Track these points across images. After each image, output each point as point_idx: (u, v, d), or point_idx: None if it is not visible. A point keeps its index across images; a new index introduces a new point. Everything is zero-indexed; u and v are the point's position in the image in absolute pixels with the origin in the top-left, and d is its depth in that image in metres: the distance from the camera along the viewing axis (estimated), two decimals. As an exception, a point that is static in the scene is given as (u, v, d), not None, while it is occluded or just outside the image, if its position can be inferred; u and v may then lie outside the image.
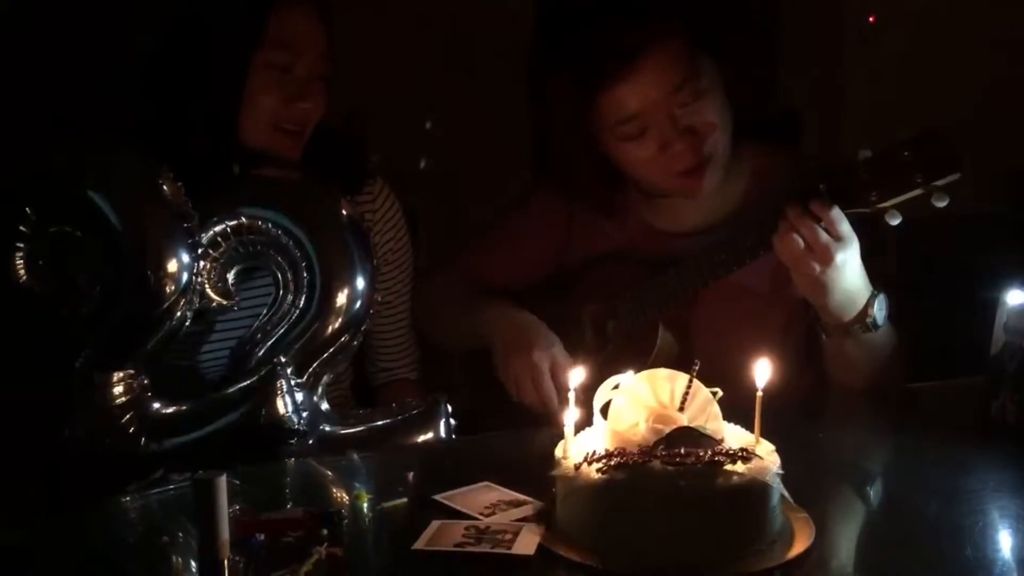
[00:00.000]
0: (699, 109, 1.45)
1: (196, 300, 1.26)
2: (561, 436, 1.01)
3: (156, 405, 1.25)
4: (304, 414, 1.26)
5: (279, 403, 1.25)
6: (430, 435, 1.31)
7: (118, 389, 1.23)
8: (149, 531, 1.09)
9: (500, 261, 1.69)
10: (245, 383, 1.26)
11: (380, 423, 1.32)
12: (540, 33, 1.56)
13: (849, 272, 1.34)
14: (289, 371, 1.26)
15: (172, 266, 1.20)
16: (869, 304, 1.38)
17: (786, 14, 2.97)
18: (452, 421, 1.33)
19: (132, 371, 1.24)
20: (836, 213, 1.31)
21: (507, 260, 1.69)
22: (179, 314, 1.23)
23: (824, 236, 1.31)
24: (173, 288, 1.21)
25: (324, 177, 1.47)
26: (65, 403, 1.23)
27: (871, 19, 3.04)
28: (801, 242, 1.32)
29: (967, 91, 2.62)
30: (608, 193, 1.58)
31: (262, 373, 1.26)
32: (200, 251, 1.25)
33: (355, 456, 1.25)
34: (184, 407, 1.27)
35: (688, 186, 1.49)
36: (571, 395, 1.03)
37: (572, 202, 1.62)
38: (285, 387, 1.25)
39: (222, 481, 0.89)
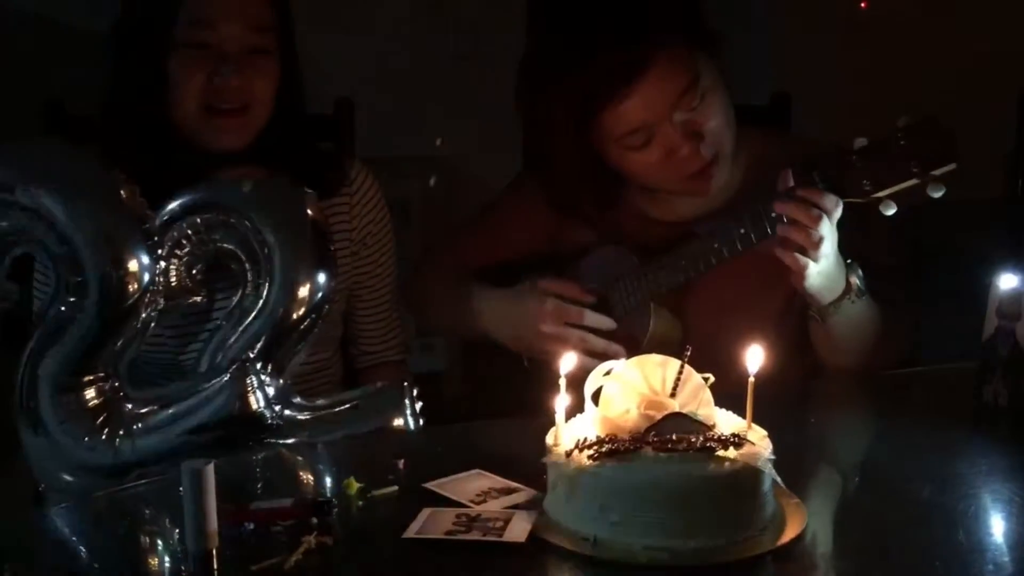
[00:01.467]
0: (704, 110, 1.44)
1: (160, 300, 1.25)
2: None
3: (128, 405, 1.24)
4: (277, 408, 1.25)
5: (251, 399, 1.24)
6: (399, 421, 1.29)
7: (90, 392, 1.22)
8: (137, 523, 1.08)
9: (490, 251, 1.68)
10: (215, 381, 1.26)
11: (340, 408, 1.31)
12: (532, 51, 1.52)
13: (833, 253, 1.34)
14: (259, 366, 1.26)
15: (132, 265, 1.20)
16: (849, 275, 1.38)
17: (779, -1, 2.97)
18: (417, 407, 1.31)
19: (103, 374, 1.23)
20: (829, 200, 1.30)
21: (497, 250, 1.68)
22: (144, 315, 1.23)
23: (816, 233, 1.30)
24: (136, 287, 1.20)
25: (294, 176, 1.42)
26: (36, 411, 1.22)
27: (863, 5, 3.03)
28: (802, 237, 1.31)
29: (960, 76, 2.62)
30: (604, 210, 1.57)
31: (232, 370, 1.25)
32: (161, 252, 1.25)
33: (319, 447, 1.25)
34: (156, 407, 1.26)
35: (697, 187, 1.49)
36: (562, 382, 1.02)
37: (567, 193, 1.60)
38: (256, 383, 1.25)
39: (210, 470, 0.88)
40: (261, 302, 1.27)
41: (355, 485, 1.07)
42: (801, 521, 0.97)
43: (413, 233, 1.76)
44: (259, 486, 1.12)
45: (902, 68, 2.78)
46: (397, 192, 1.74)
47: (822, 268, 1.33)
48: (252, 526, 0.97)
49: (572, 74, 1.42)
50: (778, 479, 0.96)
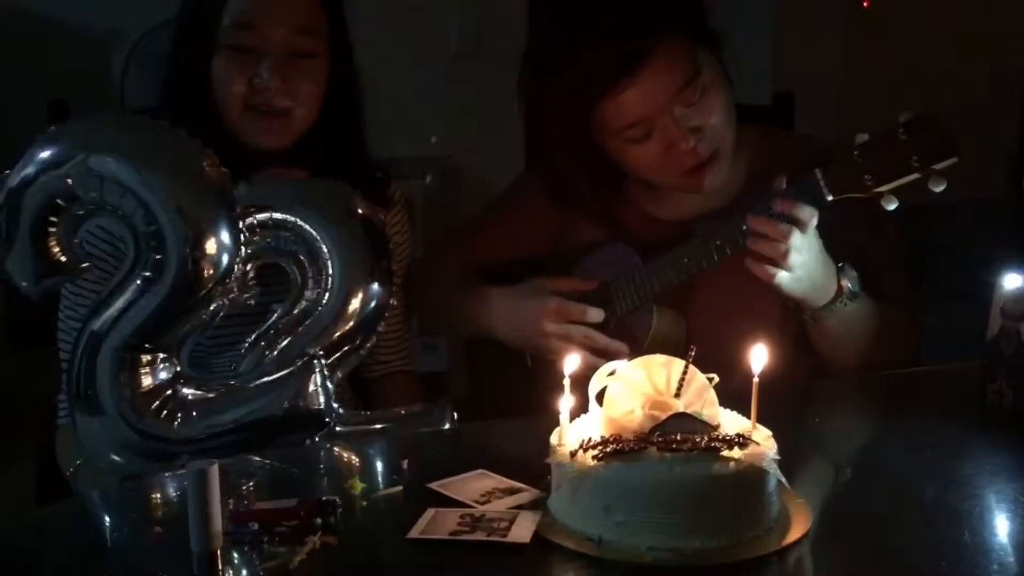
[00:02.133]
0: (703, 106, 1.44)
1: (235, 287, 1.23)
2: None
3: (187, 391, 1.23)
4: (335, 406, 1.25)
5: (314, 393, 1.23)
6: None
7: (149, 373, 1.20)
8: (141, 521, 1.08)
9: (493, 250, 1.68)
10: (280, 373, 1.25)
11: (382, 425, 1.30)
12: (535, 43, 1.52)
13: (811, 259, 1.34)
14: (324, 361, 1.25)
15: (212, 247, 1.17)
16: (840, 277, 1.39)
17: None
18: (454, 425, 1.32)
19: (165, 355, 1.22)
20: (803, 211, 1.31)
21: (500, 249, 1.68)
22: (217, 300, 1.21)
23: (783, 245, 1.30)
24: (213, 272, 1.18)
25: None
26: (88, 386, 1.20)
27: (865, 3, 3.03)
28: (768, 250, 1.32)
29: (964, 76, 2.61)
30: (606, 204, 1.57)
31: (298, 364, 1.24)
32: (243, 237, 1.22)
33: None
34: (215, 394, 1.25)
35: (695, 183, 1.48)
36: (566, 382, 1.02)
37: (569, 191, 1.60)
38: (319, 379, 1.24)
39: (214, 470, 0.89)
40: (310, 306, 1.26)
41: (359, 485, 1.07)
42: (806, 521, 0.97)
43: (415, 233, 1.76)
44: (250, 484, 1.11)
45: (904, 69, 2.77)
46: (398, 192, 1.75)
47: (800, 276, 1.33)
48: (256, 526, 0.97)
49: (573, 65, 1.42)
50: (783, 479, 0.96)
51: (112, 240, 1.42)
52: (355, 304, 1.26)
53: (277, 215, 1.25)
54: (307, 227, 1.25)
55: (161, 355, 1.20)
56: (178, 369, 1.22)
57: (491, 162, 2.19)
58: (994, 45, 2.66)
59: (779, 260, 1.31)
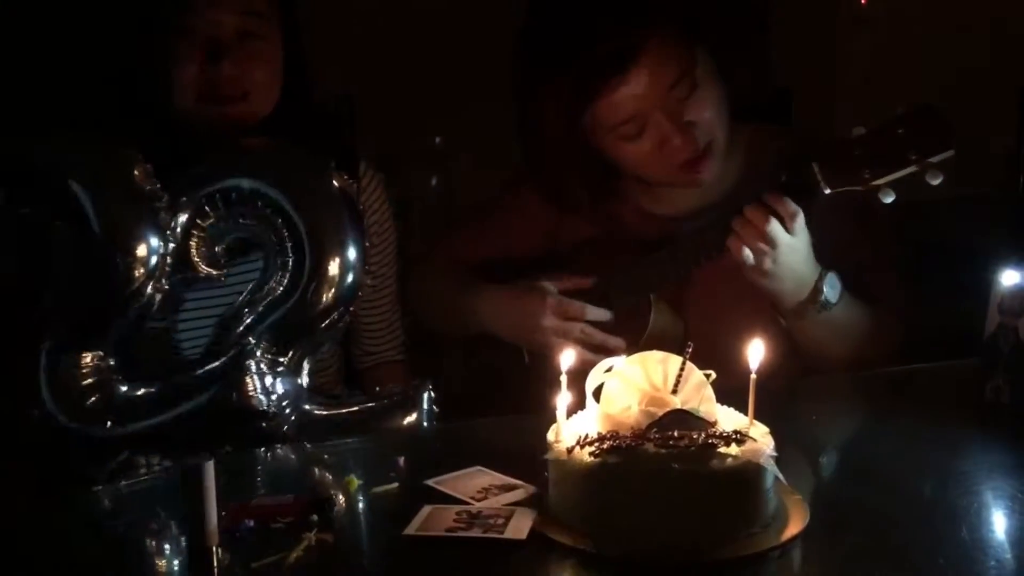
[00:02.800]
0: (697, 101, 1.44)
1: (165, 284, 1.23)
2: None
3: (123, 388, 1.24)
4: (274, 396, 1.24)
5: (248, 385, 1.23)
6: (412, 419, 1.29)
7: (85, 371, 1.21)
8: (136, 518, 1.08)
9: (489, 248, 1.68)
10: (212, 365, 1.25)
11: (361, 407, 1.30)
12: (528, 41, 1.51)
13: (795, 259, 1.34)
14: (259, 352, 1.24)
15: (140, 250, 1.19)
16: (819, 284, 1.38)
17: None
18: (435, 407, 1.31)
19: (100, 353, 1.22)
20: (787, 205, 1.31)
21: (496, 247, 1.68)
22: (146, 298, 1.21)
23: (766, 236, 1.31)
24: (141, 271, 1.19)
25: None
26: (34, 385, 1.21)
27: (863, 1, 3.02)
28: (746, 246, 1.32)
29: (960, 72, 2.61)
30: (601, 203, 1.57)
31: (231, 354, 1.24)
32: (170, 233, 1.23)
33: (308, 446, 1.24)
34: (151, 390, 1.25)
35: (688, 178, 1.48)
36: (563, 379, 1.02)
37: (565, 188, 1.60)
38: (254, 368, 1.23)
39: (210, 467, 0.88)
40: (286, 280, 1.25)
41: (355, 482, 1.07)
42: (803, 518, 0.96)
43: (412, 231, 1.76)
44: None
45: (903, 65, 2.77)
46: (395, 190, 1.74)
47: (778, 273, 1.34)
48: (252, 523, 0.96)
49: (565, 64, 1.42)
50: (780, 476, 0.96)
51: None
52: (332, 271, 1.25)
53: (245, 184, 1.24)
54: (278, 196, 1.24)
55: (97, 353, 1.21)
56: (112, 364, 1.22)
57: (489, 161, 2.19)
58: (993, 41, 2.66)
59: (755, 242, 1.31)
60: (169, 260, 1.23)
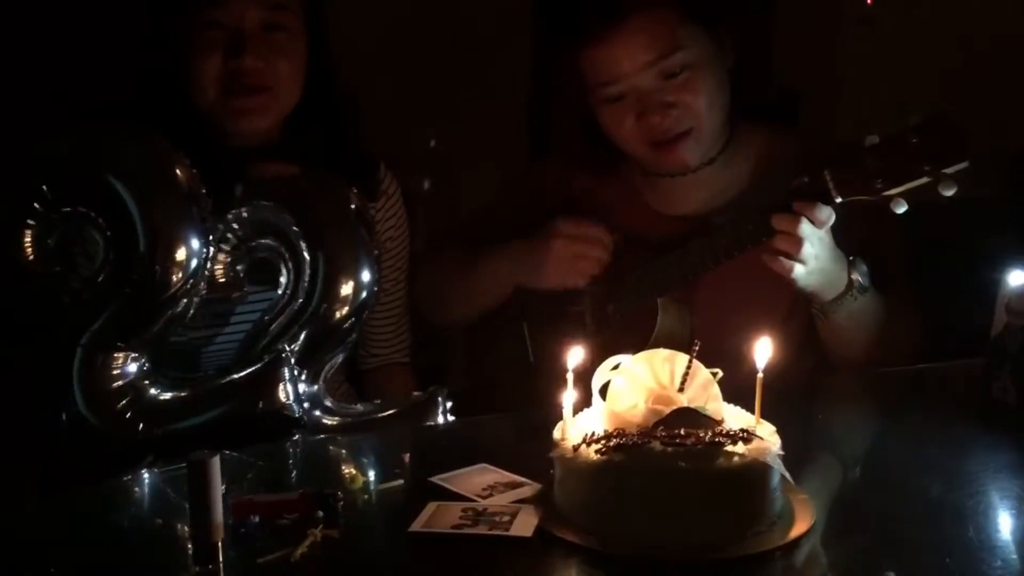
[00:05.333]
0: (683, 83, 1.45)
1: (204, 288, 1.23)
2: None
3: (154, 391, 1.23)
4: (305, 404, 1.24)
5: (280, 392, 1.23)
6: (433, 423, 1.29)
7: (117, 372, 1.20)
8: (143, 514, 1.08)
9: (500, 239, 1.67)
10: (247, 371, 1.24)
11: (379, 415, 1.30)
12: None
13: (825, 254, 1.34)
14: (293, 360, 1.24)
15: (181, 253, 1.18)
16: (851, 271, 1.39)
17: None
18: (449, 415, 1.31)
19: (134, 354, 1.21)
20: (822, 211, 1.31)
21: (506, 238, 1.67)
22: (185, 301, 1.20)
23: (799, 241, 1.31)
24: (181, 275, 1.18)
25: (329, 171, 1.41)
26: (66, 384, 1.21)
27: (869, 2, 3.02)
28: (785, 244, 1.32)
29: (966, 73, 2.60)
30: (603, 153, 1.58)
31: (265, 361, 1.24)
32: (212, 238, 1.22)
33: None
34: (183, 394, 1.24)
35: (666, 160, 1.49)
36: (569, 376, 1.02)
37: (571, 179, 1.60)
38: (287, 376, 1.23)
39: (216, 462, 0.88)
40: (302, 299, 1.25)
41: (360, 479, 1.07)
42: (810, 517, 0.96)
43: (416, 232, 1.75)
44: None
45: (908, 66, 2.76)
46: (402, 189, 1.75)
47: (813, 268, 1.34)
48: (258, 519, 0.96)
49: (560, 13, 1.50)
50: (787, 474, 0.96)
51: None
52: (345, 293, 1.25)
53: (267, 214, 1.25)
54: (295, 226, 1.25)
55: (131, 355, 1.20)
56: (146, 368, 1.22)
57: (495, 160, 2.18)
58: (999, 41, 2.65)
59: (796, 255, 1.32)
60: (208, 266, 1.22)
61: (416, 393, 1.35)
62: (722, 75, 1.49)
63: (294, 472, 1.19)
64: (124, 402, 1.21)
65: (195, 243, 1.19)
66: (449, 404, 1.31)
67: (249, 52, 1.39)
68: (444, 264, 1.69)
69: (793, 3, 2.96)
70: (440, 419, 1.30)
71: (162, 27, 1.42)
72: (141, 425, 1.21)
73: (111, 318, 1.20)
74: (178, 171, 1.20)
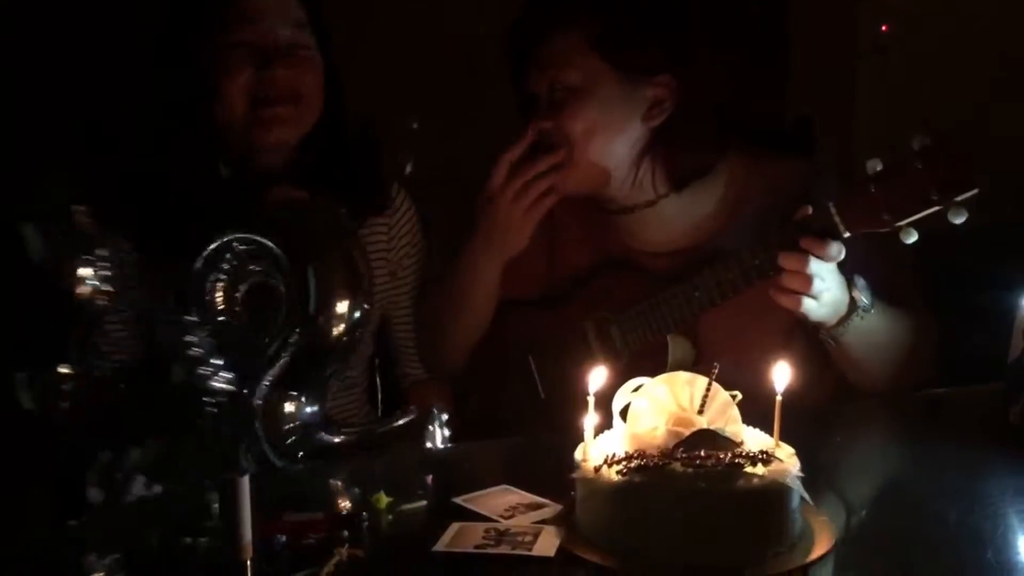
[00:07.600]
0: (563, 109, 1.48)
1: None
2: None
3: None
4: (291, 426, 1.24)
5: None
6: (427, 445, 1.29)
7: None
8: (169, 532, 1.09)
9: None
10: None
11: (364, 433, 1.30)
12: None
13: (832, 283, 1.33)
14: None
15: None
16: (852, 291, 1.36)
17: (797, 22, 2.98)
18: (445, 431, 1.31)
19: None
20: (832, 248, 1.29)
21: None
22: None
23: (818, 283, 1.31)
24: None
25: (340, 196, 1.43)
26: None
27: (884, 28, 3.04)
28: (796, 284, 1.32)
29: (980, 101, 2.61)
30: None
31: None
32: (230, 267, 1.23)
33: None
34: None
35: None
36: (590, 399, 1.03)
37: (551, 213, 1.59)
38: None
39: (245, 481, 0.90)
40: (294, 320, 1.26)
41: (385, 499, 1.08)
42: (829, 539, 0.97)
43: (432, 252, 1.76)
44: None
45: (921, 91, 2.78)
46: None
47: (825, 301, 1.33)
48: (284, 538, 0.98)
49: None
50: (806, 496, 0.97)
51: None
52: (340, 310, 1.25)
53: (264, 242, 1.26)
54: (284, 257, 1.26)
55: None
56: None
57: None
58: (1010, 65, 2.67)
59: (807, 292, 1.31)
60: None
61: (411, 408, 1.36)
62: (622, 113, 1.49)
63: (318, 493, 1.20)
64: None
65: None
66: (445, 421, 1.31)
67: (279, 65, 1.43)
68: (432, 298, 1.69)
69: (808, 32, 2.99)
70: (437, 437, 1.30)
71: (189, 49, 1.44)
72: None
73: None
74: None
